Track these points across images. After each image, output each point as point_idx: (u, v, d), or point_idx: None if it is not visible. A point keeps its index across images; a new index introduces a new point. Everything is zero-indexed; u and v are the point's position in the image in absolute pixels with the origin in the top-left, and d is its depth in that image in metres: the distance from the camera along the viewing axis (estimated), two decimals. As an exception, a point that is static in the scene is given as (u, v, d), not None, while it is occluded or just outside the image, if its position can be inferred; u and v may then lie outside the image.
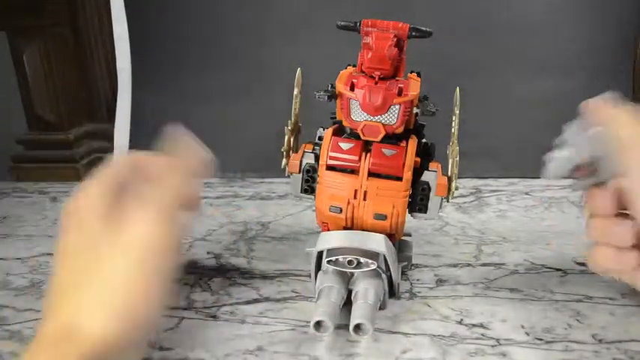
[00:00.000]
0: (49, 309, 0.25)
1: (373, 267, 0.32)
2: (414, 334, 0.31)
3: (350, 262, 0.32)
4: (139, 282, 0.25)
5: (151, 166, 0.31)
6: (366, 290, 0.31)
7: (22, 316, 0.34)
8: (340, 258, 0.32)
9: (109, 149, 0.65)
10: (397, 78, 0.33)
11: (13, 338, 0.32)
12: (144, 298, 0.25)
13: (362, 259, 0.32)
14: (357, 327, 0.29)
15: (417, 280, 0.38)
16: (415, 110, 0.33)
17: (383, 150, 0.33)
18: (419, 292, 0.36)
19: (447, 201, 0.35)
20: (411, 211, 0.35)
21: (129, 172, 0.30)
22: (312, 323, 0.29)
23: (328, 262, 0.32)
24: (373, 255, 0.32)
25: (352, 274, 0.32)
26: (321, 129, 0.36)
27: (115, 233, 0.26)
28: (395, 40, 0.31)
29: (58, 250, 0.27)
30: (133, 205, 0.28)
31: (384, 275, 0.32)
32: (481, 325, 0.32)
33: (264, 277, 0.39)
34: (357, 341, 0.30)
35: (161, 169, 0.31)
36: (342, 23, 0.33)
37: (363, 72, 0.32)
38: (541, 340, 0.31)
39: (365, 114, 0.32)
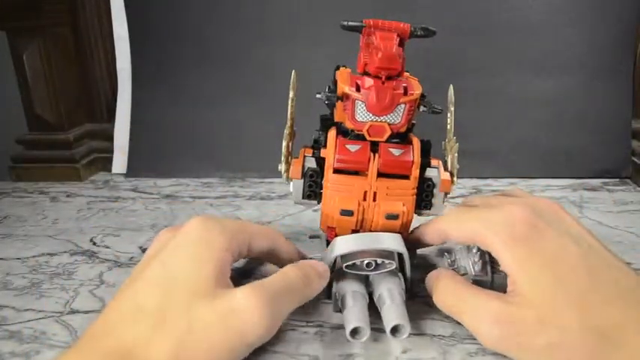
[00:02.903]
0: (114, 326, 0.26)
1: (391, 267, 0.32)
2: (414, 334, 0.31)
3: (368, 265, 0.32)
4: (216, 347, 0.25)
5: (283, 253, 0.34)
6: (390, 291, 0.31)
7: (22, 316, 0.34)
8: (357, 262, 0.32)
9: (109, 149, 0.65)
10: (399, 77, 0.33)
11: (13, 338, 0.32)
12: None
13: (379, 261, 0.32)
14: (394, 329, 0.29)
15: (417, 280, 0.38)
16: (422, 109, 0.33)
17: (391, 150, 0.33)
18: (419, 292, 0.36)
19: (445, 195, 0.35)
20: (416, 208, 0.35)
21: (262, 242, 0.32)
22: (348, 331, 0.29)
23: (346, 267, 0.32)
24: (389, 255, 0.32)
25: (368, 276, 0.32)
26: (316, 131, 0.35)
27: (223, 294, 0.27)
28: (398, 39, 0.31)
29: (164, 258, 0.28)
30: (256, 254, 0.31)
31: (400, 274, 0.33)
32: (481, 325, 0.32)
33: (264, 277, 0.39)
34: (356, 341, 0.30)
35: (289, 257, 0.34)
36: (350, 23, 0.32)
37: (365, 73, 0.32)
38: (541, 340, 0.31)
39: (371, 114, 0.32)
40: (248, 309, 0.26)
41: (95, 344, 0.25)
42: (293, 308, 0.29)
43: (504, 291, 0.29)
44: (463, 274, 0.32)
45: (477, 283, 0.32)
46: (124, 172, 0.64)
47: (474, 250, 0.33)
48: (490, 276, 0.32)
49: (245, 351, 0.27)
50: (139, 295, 0.27)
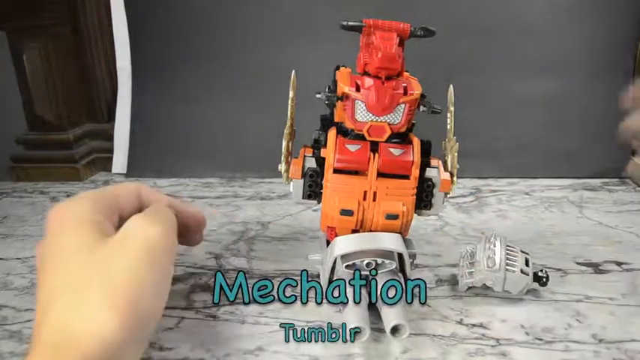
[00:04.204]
0: (43, 314, 0.25)
1: (391, 267, 0.32)
2: (414, 334, 0.31)
3: (368, 265, 0.32)
4: (143, 279, 0.26)
5: (151, 198, 0.33)
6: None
7: (22, 316, 0.34)
8: (357, 262, 0.32)
9: (109, 149, 0.65)
10: (399, 77, 0.33)
11: (13, 338, 0.32)
12: (148, 295, 0.26)
13: (379, 260, 0.32)
14: (395, 329, 0.29)
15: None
16: (422, 109, 0.33)
17: (391, 150, 0.32)
18: (419, 292, 0.36)
19: (445, 195, 0.35)
20: (416, 208, 0.35)
21: (128, 197, 0.32)
22: (348, 330, 0.29)
23: (346, 267, 0.32)
24: (389, 255, 0.32)
25: (367, 276, 0.32)
26: (316, 131, 0.35)
27: (113, 236, 0.27)
28: (398, 39, 0.31)
29: (45, 253, 0.27)
30: (131, 215, 0.29)
31: (400, 274, 0.33)
32: (481, 325, 0.32)
33: (265, 277, 0.39)
34: (356, 341, 0.30)
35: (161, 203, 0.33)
36: (350, 23, 0.32)
37: (365, 73, 0.32)
38: (541, 340, 0.31)
39: (371, 114, 0.32)
40: (140, 225, 0.27)
41: (39, 339, 0.24)
42: (176, 222, 0.30)
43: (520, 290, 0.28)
44: (477, 269, 0.32)
45: (489, 277, 0.32)
46: (124, 172, 0.64)
47: (492, 246, 0.32)
48: (503, 272, 0.32)
49: (165, 262, 0.27)
50: (47, 287, 0.26)
